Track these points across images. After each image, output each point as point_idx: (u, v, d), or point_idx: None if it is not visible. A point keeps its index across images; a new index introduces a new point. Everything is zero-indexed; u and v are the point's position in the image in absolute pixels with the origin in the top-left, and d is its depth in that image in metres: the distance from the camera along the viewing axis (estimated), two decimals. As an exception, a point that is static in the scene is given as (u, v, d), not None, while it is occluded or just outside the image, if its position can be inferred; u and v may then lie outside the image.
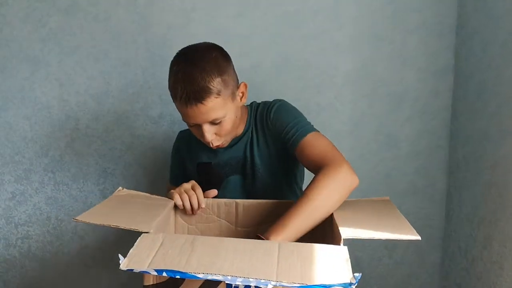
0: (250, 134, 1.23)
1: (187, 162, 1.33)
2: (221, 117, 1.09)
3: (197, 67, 1.04)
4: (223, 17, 1.54)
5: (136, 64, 1.58)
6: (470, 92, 1.42)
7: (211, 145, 1.15)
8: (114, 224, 0.89)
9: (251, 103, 1.28)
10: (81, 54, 1.59)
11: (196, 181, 1.19)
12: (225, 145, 1.20)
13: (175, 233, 1.14)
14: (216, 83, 1.04)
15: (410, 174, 1.58)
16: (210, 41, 1.13)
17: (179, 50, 1.10)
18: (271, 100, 1.23)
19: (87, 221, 0.90)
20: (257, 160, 1.22)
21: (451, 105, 1.53)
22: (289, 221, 0.94)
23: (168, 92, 1.10)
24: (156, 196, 1.12)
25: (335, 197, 0.99)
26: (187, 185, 1.12)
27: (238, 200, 1.12)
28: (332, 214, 0.98)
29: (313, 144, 1.10)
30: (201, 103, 1.04)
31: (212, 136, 1.13)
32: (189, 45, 1.12)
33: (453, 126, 1.53)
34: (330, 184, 0.99)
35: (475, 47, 1.39)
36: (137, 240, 0.82)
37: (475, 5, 1.39)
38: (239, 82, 1.16)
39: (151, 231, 0.88)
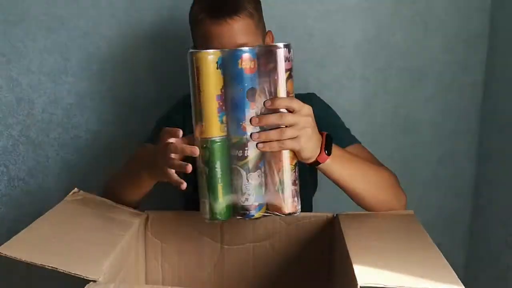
0: None
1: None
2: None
3: None
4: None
5: (98, 34, 1.35)
6: (510, 66, 1.21)
7: None
8: (50, 265, 0.66)
9: None
10: (31, 22, 1.35)
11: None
12: None
13: (146, 256, 0.96)
14: (250, 3, 0.97)
15: (432, 163, 1.41)
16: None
17: None
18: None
19: (12, 255, 0.68)
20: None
21: (484, 81, 1.34)
22: (353, 158, 0.92)
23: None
24: (121, 207, 0.94)
25: (384, 189, 0.95)
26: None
27: None
28: (343, 237, 0.80)
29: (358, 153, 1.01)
30: (236, 16, 0.94)
31: None
32: None
33: (486, 106, 1.34)
34: (384, 177, 0.97)
35: (519, 8, 1.17)
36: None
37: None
38: None
39: (100, 278, 0.66)
